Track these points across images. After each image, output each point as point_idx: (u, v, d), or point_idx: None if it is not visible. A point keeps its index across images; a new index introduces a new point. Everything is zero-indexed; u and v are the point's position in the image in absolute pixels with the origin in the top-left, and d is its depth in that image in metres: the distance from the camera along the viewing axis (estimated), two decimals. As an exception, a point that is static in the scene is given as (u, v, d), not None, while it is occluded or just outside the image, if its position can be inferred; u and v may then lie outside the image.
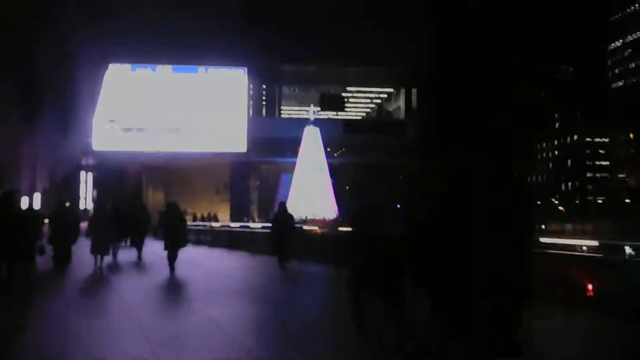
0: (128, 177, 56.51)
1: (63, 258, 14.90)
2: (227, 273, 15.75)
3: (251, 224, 43.24)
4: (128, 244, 19.50)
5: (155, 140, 56.40)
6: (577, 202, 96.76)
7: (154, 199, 54.13)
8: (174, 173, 56.83)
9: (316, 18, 61.45)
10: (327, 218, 54.23)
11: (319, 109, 58.37)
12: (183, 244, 14.23)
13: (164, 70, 57.85)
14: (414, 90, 66.34)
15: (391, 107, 70.97)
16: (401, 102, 68.66)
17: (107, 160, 55.48)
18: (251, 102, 62.32)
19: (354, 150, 61.08)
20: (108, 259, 16.46)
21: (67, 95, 50.27)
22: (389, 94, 70.96)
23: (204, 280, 13.64)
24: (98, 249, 15.47)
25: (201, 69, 58.53)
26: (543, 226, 44.63)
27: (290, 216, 16.46)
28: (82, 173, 57.93)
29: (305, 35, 60.93)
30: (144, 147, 55.70)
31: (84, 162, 55.66)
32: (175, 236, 13.92)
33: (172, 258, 13.88)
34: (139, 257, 17.70)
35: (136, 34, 53.75)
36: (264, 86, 64.53)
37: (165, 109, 56.76)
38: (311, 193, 54.67)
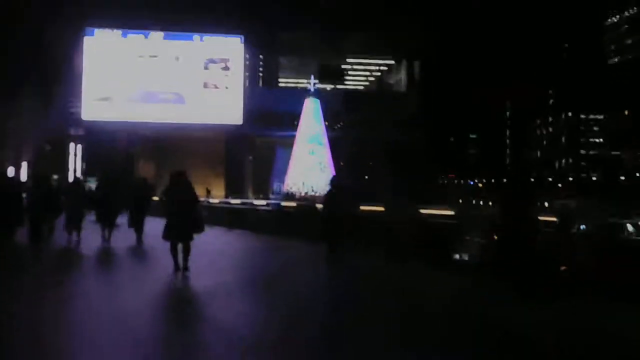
0: (119, 148, 53.90)
1: (37, 235, 13.29)
2: (272, 270, 11.57)
3: (254, 201, 41.10)
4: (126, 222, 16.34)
5: (147, 110, 53.87)
6: (571, 179, 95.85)
7: (145, 171, 51.75)
8: (165, 145, 54.50)
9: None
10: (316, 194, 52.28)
11: (317, 81, 55.68)
12: (198, 230, 9.92)
13: (157, 37, 54.98)
14: (416, 63, 64.14)
15: (392, 80, 68.73)
16: (402, 75, 66.49)
17: (97, 131, 52.86)
18: (247, 73, 59.67)
19: (354, 124, 58.99)
20: (98, 242, 14.20)
21: (50, 63, 47.63)
22: (389, 65, 68.71)
23: (248, 290, 9.42)
24: (71, 226, 14.10)
25: (196, 36, 55.67)
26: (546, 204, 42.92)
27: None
28: (72, 145, 55.40)
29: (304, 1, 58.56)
30: (134, 117, 53.18)
31: (72, 132, 52.94)
32: (184, 220, 9.65)
33: (185, 250, 9.65)
34: (139, 240, 14.47)
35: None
36: (261, 56, 62.01)
37: (158, 77, 54.06)
38: (310, 168, 52.58)
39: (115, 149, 53.04)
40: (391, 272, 10.25)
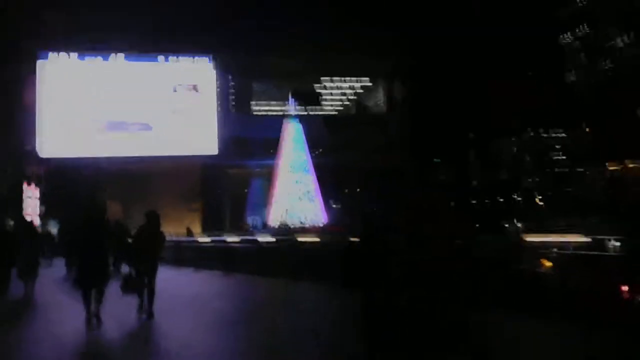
0: (82, 186, 47.61)
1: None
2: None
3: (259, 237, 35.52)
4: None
5: (110, 141, 48.35)
6: (540, 197, 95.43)
7: (111, 211, 45.76)
8: (133, 181, 48.83)
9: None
10: (317, 225, 48.32)
11: (297, 102, 51.68)
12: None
13: (118, 60, 49.64)
14: (395, 83, 61.23)
15: (370, 102, 65.49)
16: (380, 96, 63.45)
17: (56, 169, 46.63)
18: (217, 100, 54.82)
19: (334, 149, 55.12)
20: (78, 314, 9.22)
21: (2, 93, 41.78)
22: (366, 87, 65.52)
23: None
24: (24, 271, 12.30)
25: (161, 57, 50.68)
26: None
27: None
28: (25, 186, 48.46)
29: (275, 20, 54.84)
30: (97, 150, 47.50)
31: (28, 172, 46.25)
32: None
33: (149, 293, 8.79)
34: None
35: (79, 14, 45.77)
36: (232, 81, 57.41)
37: (120, 104, 48.69)
38: (297, 198, 48.33)
39: (78, 188, 46.90)
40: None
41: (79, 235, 8.46)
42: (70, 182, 45.14)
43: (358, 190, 57.30)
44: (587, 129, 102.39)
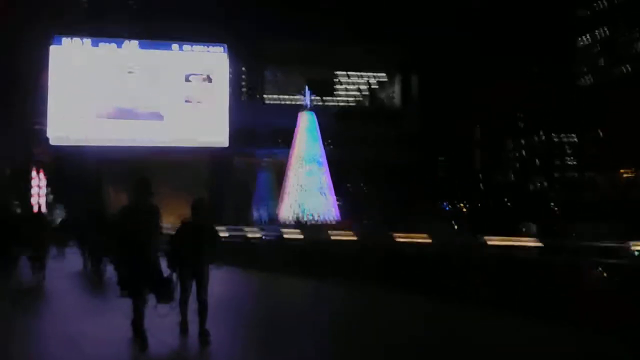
0: (90, 173, 46.87)
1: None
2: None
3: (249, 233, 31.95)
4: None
5: (121, 129, 47.56)
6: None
7: (118, 201, 45.05)
8: (138, 170, 47.92)
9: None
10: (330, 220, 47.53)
11: (312, 92, 50.61)
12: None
13: (132, 47, 48.72)
14: (412, 77, 60.10)
15: (384, 95, 64.44)
16: (396, 89, 62.41)
17: (64, 154, 45.87)
18: (230, 88, 53.92)
19: (348, 142, 54.22)
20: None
21: (11, 75, 41.04)
22: (381, 80, 64.46)
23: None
24: (32, 262, 11.67)
25: (175, 45, 49.76)
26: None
27: None
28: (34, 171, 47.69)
29: (291, 8, 53.68)
30: (107, 137, 46.70)
31: (37, 155, 45.49)
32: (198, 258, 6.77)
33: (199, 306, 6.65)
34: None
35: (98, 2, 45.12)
36: (244, 69, 56.51)
37: (133, 92, 47.83)
38: (309, 192, 47.44)
39: (85, 175, 46.22)
40: None
41: (125, 231, 6.50)
42: (81, 171, 44.55)
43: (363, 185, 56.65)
44: (601, 134, 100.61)
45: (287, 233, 21.68)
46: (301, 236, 19.26)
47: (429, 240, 14.80)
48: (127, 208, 6.59)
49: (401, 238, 14.16)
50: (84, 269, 13.90)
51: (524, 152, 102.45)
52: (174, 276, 6.61)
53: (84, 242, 14.41)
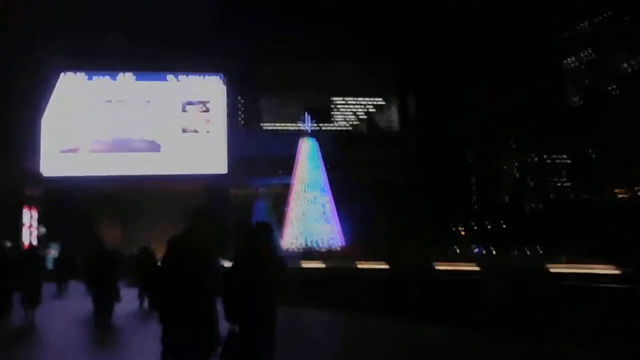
0: (83, 208, 45.24)
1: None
2: None
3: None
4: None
5: (117, 161, 46.29)
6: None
7: (111, 235, 43.59)
8: (135, 202, 46.72)
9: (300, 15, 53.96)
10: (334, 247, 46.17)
11: (312, 119, 49.81)
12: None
13: (126, 79, 47.80)
14: (410, 100, 59.40)
15: (382, 118, 63.58)
16: (393, 112, 61.61)
17: (59, 189, 44.36)
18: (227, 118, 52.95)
19: (349, 166, 53.14)
20: None
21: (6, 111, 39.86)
22: (378, 104, 63.75)
23: None
24: (25, 299, 11.38)
25: (171, 76, 48.90)
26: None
27: None
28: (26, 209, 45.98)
29: (287, 36, 53.20)
30: (102, 170, 45.41)
31: (28, 192, 43.88)
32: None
33: None
34: None
35: (92, 36, 44.25)
36: (240, 98, 55.61)
37: (129, 123, 46.77)
38: (314, 219, 46.18)
39: (79, 210, 44.70)
40: None
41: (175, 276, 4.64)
42: (73, 205, 43.07)
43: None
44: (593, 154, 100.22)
45: (305, 262, 20.07)
46: (323, 265, 17.38)
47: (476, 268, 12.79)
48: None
49: (444, 266, 12.53)
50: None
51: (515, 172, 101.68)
52: (237, 330, 4.64)
53: (93, 284, 12.22)
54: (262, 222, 5.26)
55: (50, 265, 26.02)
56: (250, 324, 4.61)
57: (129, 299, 11.24)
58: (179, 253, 4.58)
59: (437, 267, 13.25)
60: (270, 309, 4.77)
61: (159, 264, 6.06)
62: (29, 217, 42.20)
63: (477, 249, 45.31)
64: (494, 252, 41.54)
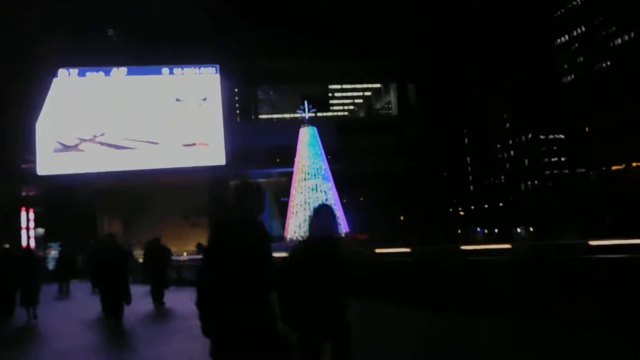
0: (84, 205, 44.53)
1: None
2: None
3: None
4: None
5: (112, 157, 45.65)
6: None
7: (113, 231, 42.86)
8: (133, 197, 46.09)
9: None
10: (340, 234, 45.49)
11: (311, 106, 49.04)
12: None
13: (119, 74, 47.06)
14: (409, 86, 58.59)
15: (379, 104, 62.92)
16: (392, 99, 60.90)
17: (56, 188, 43.64)
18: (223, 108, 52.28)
19: (349, 154, 52.54)
20: None
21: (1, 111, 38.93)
22: (375, 90, 63.04)
23: None
24: (24, 299, 11.18)
25: (165, 69, 48.18)
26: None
27: None
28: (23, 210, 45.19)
29: (282, 26, 52.52)
30: (99, 166, 44.75)
31: (25, 193, 43.14)
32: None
33: None
34: None
35: (85, 31, 43.42)
36: (236, 90, 54.86)
37: (124, 119, 46.06)
38: (315, 205, 45.28)
39: (79, 207, 44.03)
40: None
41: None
42: (72, 202, 42.39)
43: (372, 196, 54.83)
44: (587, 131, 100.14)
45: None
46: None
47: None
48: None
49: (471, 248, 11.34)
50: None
51: (505, 155, 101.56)
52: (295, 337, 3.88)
53: (100, 283, 11.48)
54: (325, 205, 4.58)
55: (50, 265, 25.45)
56: (316, 332, 3.82)
57: (135, 297, 10.20)
58: (230, 242, 3.40)
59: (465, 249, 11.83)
60: (342, 313, 3.94)
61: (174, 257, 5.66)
62: (26, 218, 41.55)
63: (478, 229, 44.86)
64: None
